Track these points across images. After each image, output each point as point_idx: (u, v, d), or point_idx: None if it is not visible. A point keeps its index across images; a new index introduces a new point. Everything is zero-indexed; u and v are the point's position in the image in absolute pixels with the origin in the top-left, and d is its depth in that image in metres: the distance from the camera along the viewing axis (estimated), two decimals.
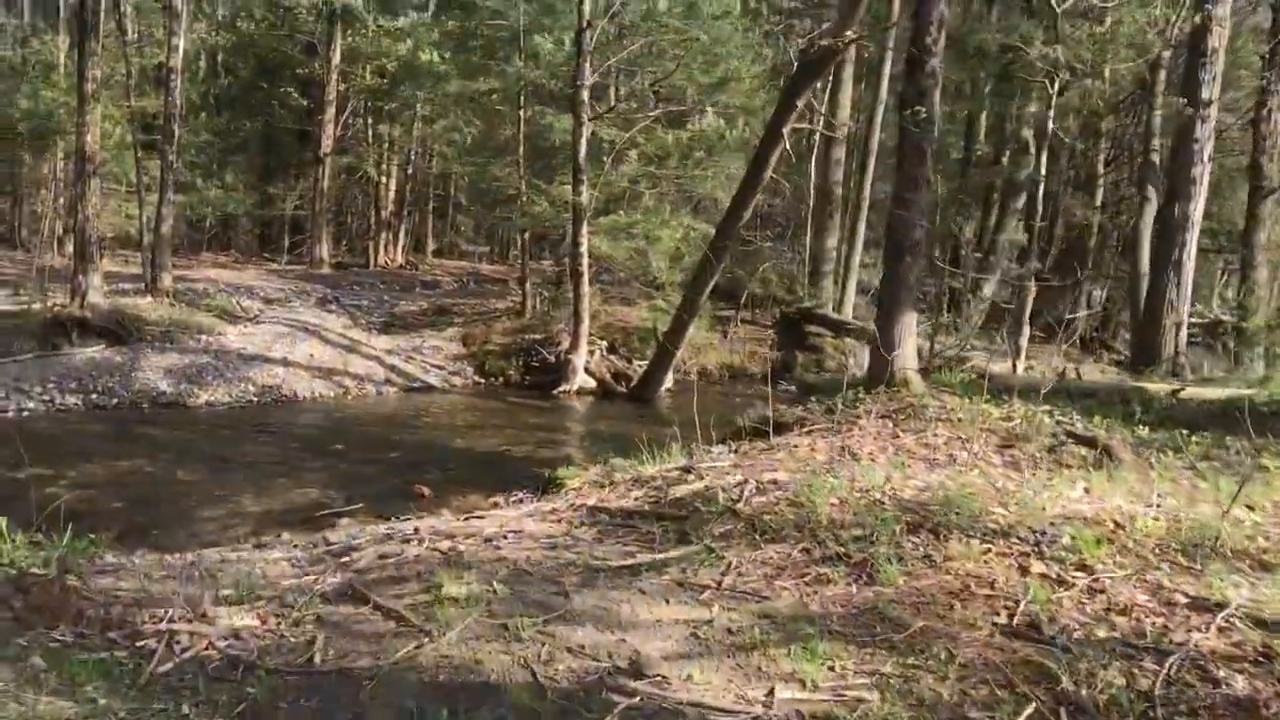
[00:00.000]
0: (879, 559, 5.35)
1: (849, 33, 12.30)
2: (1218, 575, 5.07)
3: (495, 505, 9.30)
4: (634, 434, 13.28)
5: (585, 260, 16.20)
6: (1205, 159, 14.52)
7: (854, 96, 22.48)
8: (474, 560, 5.77)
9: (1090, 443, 7.69)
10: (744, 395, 17.11)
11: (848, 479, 6.93)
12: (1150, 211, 20.03)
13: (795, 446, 8.32)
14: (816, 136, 20.70)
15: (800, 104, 13.16)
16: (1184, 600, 4.80)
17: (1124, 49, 20.69)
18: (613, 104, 19.28)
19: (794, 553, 5.61)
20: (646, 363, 17.46)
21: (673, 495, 7.06)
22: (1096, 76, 21.64)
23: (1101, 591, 4.93)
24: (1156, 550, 5.42)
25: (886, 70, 20.17)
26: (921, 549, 5.54)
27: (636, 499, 7.24)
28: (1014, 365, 11.32)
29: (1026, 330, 11.88)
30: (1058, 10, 11.84)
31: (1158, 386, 10.18)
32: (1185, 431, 8.59)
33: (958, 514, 5.96)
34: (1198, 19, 13.65)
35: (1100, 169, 23.95)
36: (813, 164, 21.51)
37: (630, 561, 5.58)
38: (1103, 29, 20.73)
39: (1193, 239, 14.42)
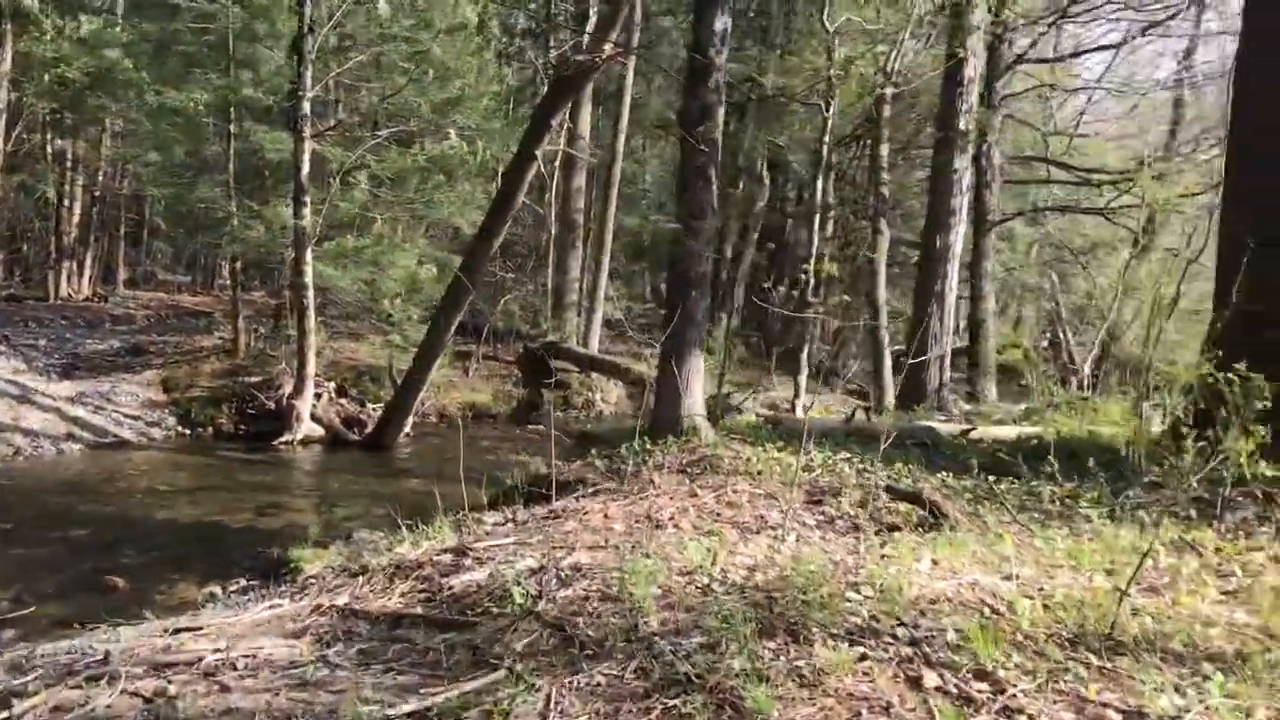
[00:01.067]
0: (738, 678, 4.20)
1: (606, 47, 11.33)
2: (1135, 674, 4.24)
3: (212, 598, 7.56)
4: (377, 491, 11.69)
5: (310, 292, 14.40)
6: (964, 189, 14.56)
7: (591, 122, 21.66)
8: (193, 713, 4.18)
9: (914, 499, 6.89)
10: (492, 439, 15.79)
11: (662, 557, 5.79)
12: (884, 244, 20.28)
13: (585, 513, 7.09)
14: (557, 163, 19.69)
15: (554, 123, 12.07)
16: (1117, 717, 3.93)
17: (853, 83, 21.01)
18: (337, 120, 17.51)
19: (627, 675, 4.36)
20: (382, 406, 15.81)
21: (450, 589, 5.66)
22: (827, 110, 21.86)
23: (1020, 711, 3.97)
24: (1052, 642, 4.55)
25: (628, 98, 19.45)
26: (784, 659, 4.42)
27: (403, 596, 5.79)
28: (794, 406, 10.65)
29: (806, 369, 11.26)
30: (829, 30, 11.36)
31: (948, 428, 9.69)
32: (992, 478, 8.04)
33: (807, 602, 4.92)
34: (961, 50, 13.62)
35: (830, 201, 24.23)
36: (553, 192, 20.51)
37: (414, 705, 4.16)
38: (831, 63, 20.98)
39: (954, 270, 14.40)
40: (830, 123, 12.50)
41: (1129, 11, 21.10)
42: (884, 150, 21.46)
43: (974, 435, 9.40)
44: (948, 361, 14.37)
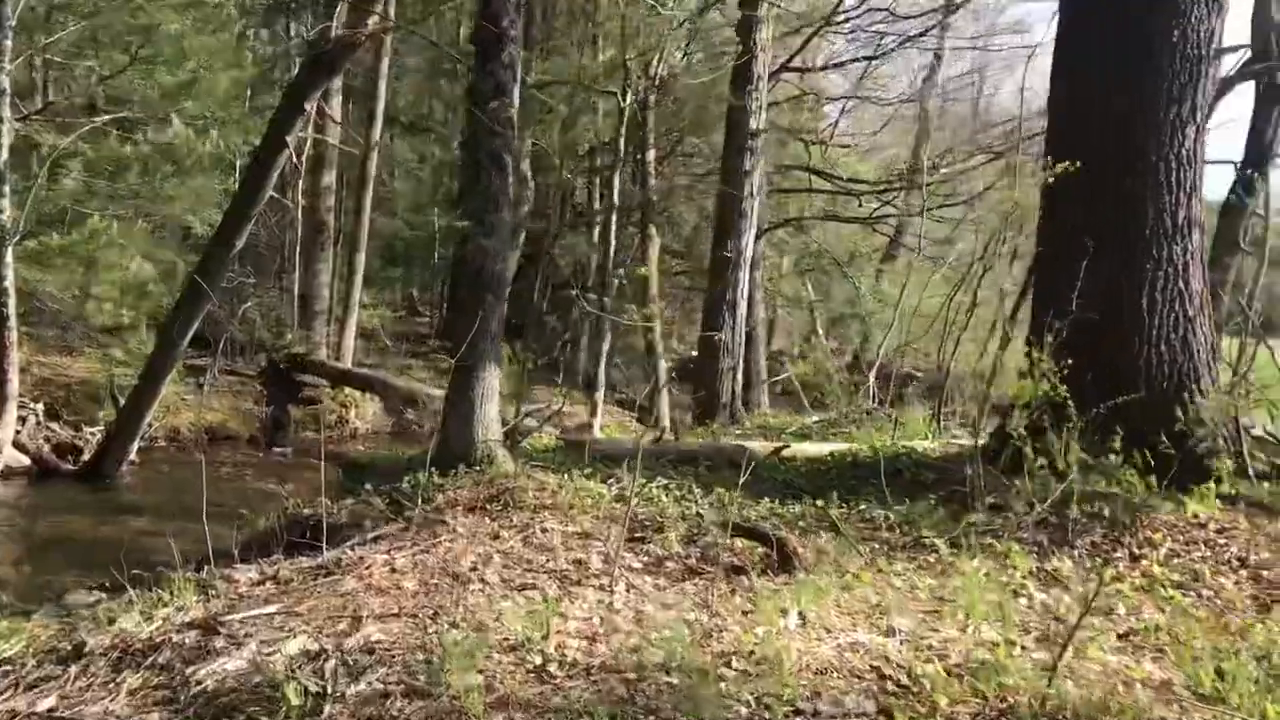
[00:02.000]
0: None
1: (370, 21, 9.99)
2: None
3: None
4: (98, 536, 9.86)
5: (11, 299, 12.20)
6: (755, 191, 13.98)
7: (343, 115, 19.96)
8: None
9: (759, 536, 6.02)
10: (234, 465, 14.03)
11: (474, 627, 4.66)
12: (654, 250, 19.69)
13: (367, 566, 5.82)
14: (304, 157, 17.92)
15: (309, 108, 10.59)
16: None
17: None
18: (47, 102, 15.16)
19: None
20: (101, 429, 13.73)
21: (198, 685, 4.31)
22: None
23: None
24: None
25: (383, 84, 17.97)
26: None
27: (133, 695, 4.38)
28: (592, 424, 9.59)
29: (602, 381, 10.21)
30: (622, 9, 10.42)
31: (760, 446, 8.95)
32: (818, 503, 7.32)
33: (675, 686, 3.93)
34: (752, 43, 12.97)
35: (596, 206, 23.49)
36: (299, 189, 18.69)
37: None
38: (593, 63, 20.27)
39: (745, 277, 13.79)
40: (627, 114, 11.60)
41: (883, 25, 21.52)
42: (650, 155, 20.91)
43: (787, 453, 8.71)
44: (740, 373, 13.76)
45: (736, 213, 13.44)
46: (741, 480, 5.90)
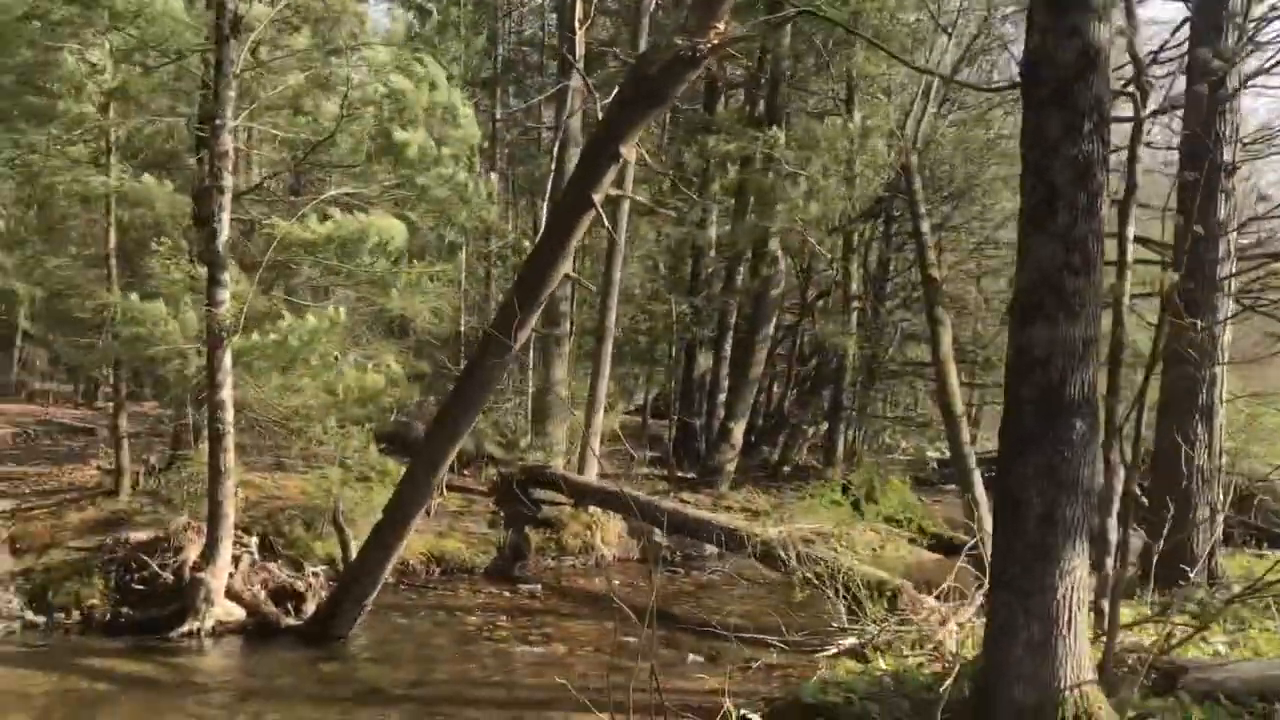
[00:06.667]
0: None
1: (718, 26, 7.14)
2: None
3: None
4: None
5: (229, 411, 9.74)
6: (1233, 252, 10.17)
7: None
8: None
9: None
10: (480, 611, 11.46)
11: None
12: (947, 337, 16.49)
13: None
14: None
15: (627, 154, 7.77)
16: None
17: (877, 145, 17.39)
18: (262, 179, 12.95)
19: None
20: (323, 568, 11.19)
21: None
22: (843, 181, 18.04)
23: None
24: None
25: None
26: None
27: None
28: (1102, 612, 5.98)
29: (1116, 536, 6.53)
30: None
31: None
32: None
33: None
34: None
35: (854, 289, 20.36)
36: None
37: None
38: (853, 125, 17.52)
39: (1222, 375, 9.97)
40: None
41: None
42: (925, 225, 17.77)
43: None
44: (1216, 515, 9.86)
45: (1202, 281, 9.69)
46: None
